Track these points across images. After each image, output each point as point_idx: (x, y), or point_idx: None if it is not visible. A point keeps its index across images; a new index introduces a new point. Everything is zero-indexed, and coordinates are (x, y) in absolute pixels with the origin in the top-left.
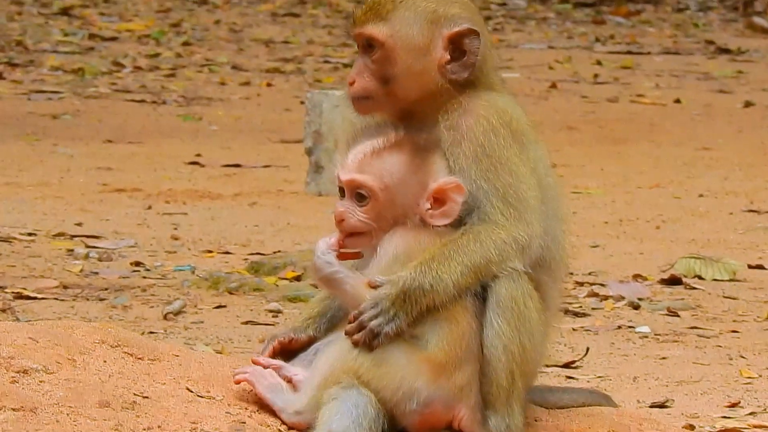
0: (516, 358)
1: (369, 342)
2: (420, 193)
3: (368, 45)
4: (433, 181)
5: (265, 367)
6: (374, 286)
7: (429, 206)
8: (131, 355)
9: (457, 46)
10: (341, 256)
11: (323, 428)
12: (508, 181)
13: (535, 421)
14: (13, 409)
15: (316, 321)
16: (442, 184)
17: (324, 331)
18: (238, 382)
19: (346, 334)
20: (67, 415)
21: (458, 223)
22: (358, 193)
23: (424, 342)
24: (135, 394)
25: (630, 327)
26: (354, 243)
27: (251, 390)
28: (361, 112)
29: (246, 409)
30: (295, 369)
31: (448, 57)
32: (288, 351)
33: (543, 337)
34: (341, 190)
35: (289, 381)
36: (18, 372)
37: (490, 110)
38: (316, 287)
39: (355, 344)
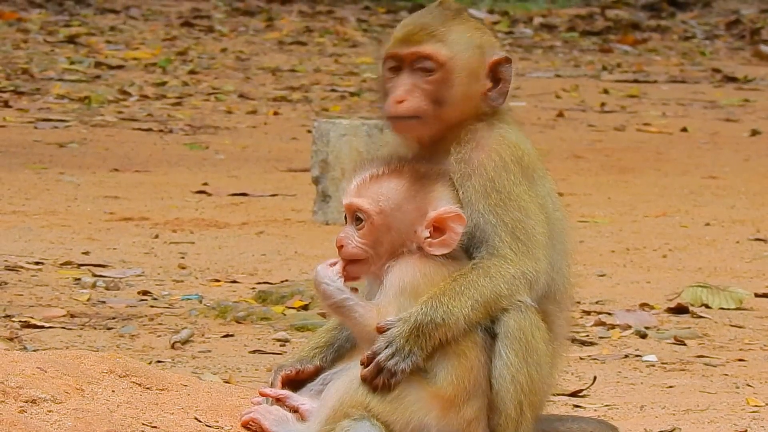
0: (524, 388)
1: (388, 382)
2: (417, 219)
3: (422, 65)
4: (432, 210)
5: (273, 398)
6: (383, 330)
7: (428, 234)
8: (139, 385)
9: (495, 74)
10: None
11: None
12: (517, 216)
13: None
14: None
15: (323, 351)
16: (441, 213)
17: (331, 361)
18: (245, 423)
19: (363, 379)
20: None
21: (461, 254)
22: (356, 217)
23: (432, 376)
24: (143, 424)
25: (637, 356)
26: (353, 270)
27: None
28: (404, 131)
29: None
30: (302, 399)
31: (490, 84)
32: (295, 381)
33: (550, 368)
34: (345, 217)
35: (296, 411)
36: (26, 402)
37: (503, 145)
38: (324, 316)
39: (375, 388)
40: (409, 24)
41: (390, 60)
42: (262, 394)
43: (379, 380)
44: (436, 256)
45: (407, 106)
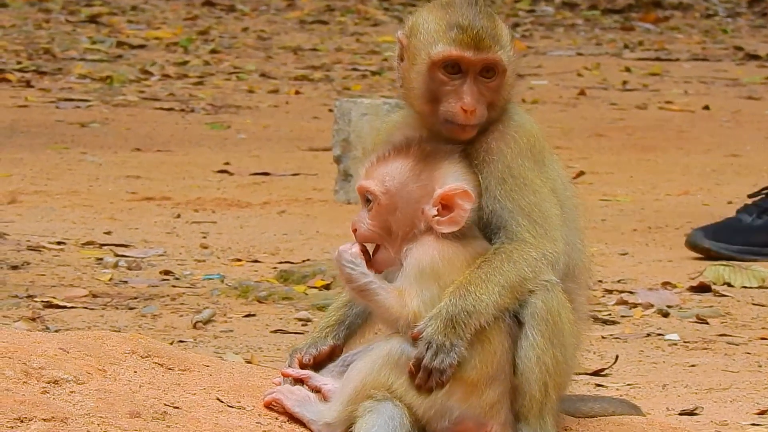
0: (549, 369)
1: (441, 381)
2: (423, 197)
3: (488, 71)
4: (438, 187)
5: (295, 378)
6: (416, 337)
7: (436, 212)
8: (161, 366)
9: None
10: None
11: None
12: (533, 200)
13: (565, 430)
14: (44, 420)
15: (335, 329)
16: (448, 190)
17: (344, 338)
18: (267, 404)
19: (417, 388)
20: (98, 425)
21: (478, 233)
22: (366, 200)
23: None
24: (165, 405)
25: (659, 335)
26: (378, 260)
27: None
28: (465, 137)
29: (276, 419)
30: (324, 379)
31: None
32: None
33: (574, 348)
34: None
35: (319, 391)
36: (49, 382)
37: (521, 133)
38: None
39: (429, 392)
40: (473, 27)
41: (450, 62)
42: (284, 375)
43: (432, 382)
44: (452, 236)
45: (478, 116)
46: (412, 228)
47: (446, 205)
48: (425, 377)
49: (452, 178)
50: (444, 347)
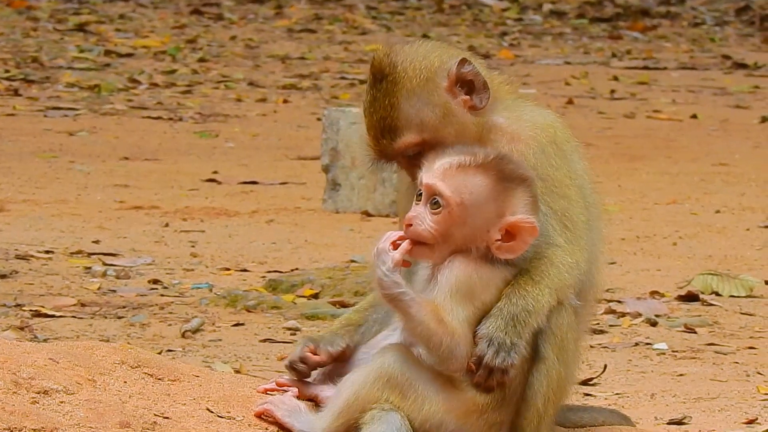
0: (553, 384)
1: (502, 380)
2: (493, 221)
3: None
4: (510, 214)
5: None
6: (477, 340)
7: (499, 237)
8: (151, 376)
9: (463, 82)
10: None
11: None
12: (563, 204)
13: None
14: (34, 430)
15: (353, 331)
16: (519, 221)
17: (356, 343)
18: (258, 414)
19: (477, 385)
20: None
21: (520, 262)
22: (434, 201)
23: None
24: (155, 415)
25: (647, 344)
26: (416, 252)
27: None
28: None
29: (266, 429)
30: (320, 387)
31: (465, 96)
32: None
33: (576, 366)
34: (419, 194)
35: (313, 399)
36: (38, 393)
37: (536, 129)
38: (336, 306)
39: (490, 390)
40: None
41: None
42: (279, 385)
43: (493, 381)
44: (492, 259)
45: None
46: (470, 243)
47: (511, 233)
48: (486, 375)
49: (524, 208)
50: (505, 345)
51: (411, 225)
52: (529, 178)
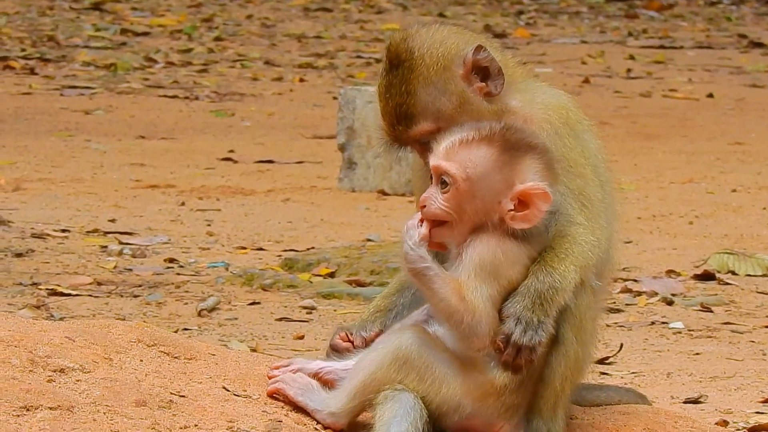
0: (571, 364)
1: (530, 358)
2: (503, 191)
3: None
4: (519, 183)
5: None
6: (504, 318)
7: (512, 207)
8: (167, 354)
9: (478, 69)
10: (429, 246)
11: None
12: (579, 183)
13: (571, 419)
14: (50, 408)
15: (384, 315)
16: (528, 188)
17: (388, 326)
18: (270, 393)
19: (505, 364)
20: (104, 414)
21: (542, 234)
22: (442, 180)
23: (491, 363)
24: (171, 393)
25: (663, 323)
26: (437, 233)
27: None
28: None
29: (282, 407)
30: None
31: (480, 82)
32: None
33: (593, 346)
34: (431, 177)
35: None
36: (55, 371)
37: (549, 111)
38: (351, 285)
39: (518, 369)
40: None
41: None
42: (274, 368)
43: (521, 359)
44: (517, 235)
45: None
46: (484, 218)
47: (523, 202)
48: (514, 353)
49: (533, 175)
50: (533, 323)
51: (425, 206)
52: (538, 146)
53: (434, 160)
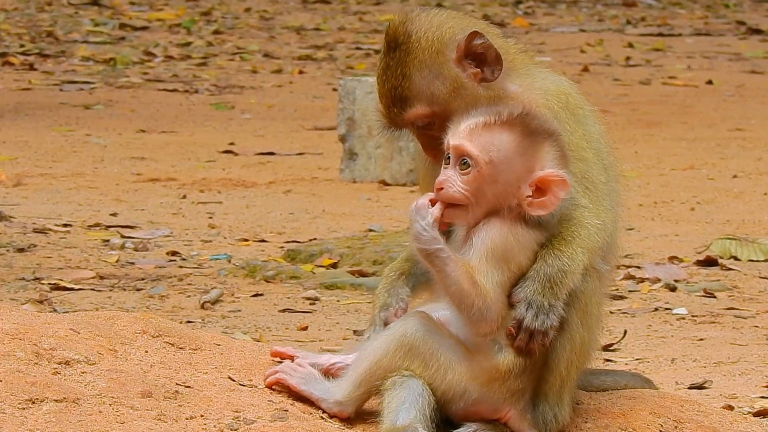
0: (576, 349)
1: (543, 342)
2: (523, 176)
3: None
4: (539, 169)
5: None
6: (514, 303)
7: (530, 193)
8: (173, 345)
9: (473, 54)
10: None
11: (389, 419)
12: (581, 167)
13: (577, 404)
14: (56, 401)
15: (408, 280)
16: (547, 174)
17: (413, 291)
18: (270, 385)
19: (518, 349)
20: (110, 405)
21: (553, 221)
22: (462, 161)
23: (495, 348)
24: (177, 384)
25: (667, 309)
26: (450, 215)
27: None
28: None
29: (288, 397)
30: (335, 357)
31: (475, 69)
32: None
33: (598, 330)
34: (447, 158)
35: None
36: (60, 363)
37: (547, 96)
38: (354, 275)
39: (531, 353)
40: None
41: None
42: (273, 354)
43: (534, 344)
44: (526, 220)
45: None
46: (502, 202)
47: (541, 189)
48: (526, 338)
49: (553, 162)
50: (544, 307)
51: (442, 189)
52: (555, 132)
53: (456, 140)
